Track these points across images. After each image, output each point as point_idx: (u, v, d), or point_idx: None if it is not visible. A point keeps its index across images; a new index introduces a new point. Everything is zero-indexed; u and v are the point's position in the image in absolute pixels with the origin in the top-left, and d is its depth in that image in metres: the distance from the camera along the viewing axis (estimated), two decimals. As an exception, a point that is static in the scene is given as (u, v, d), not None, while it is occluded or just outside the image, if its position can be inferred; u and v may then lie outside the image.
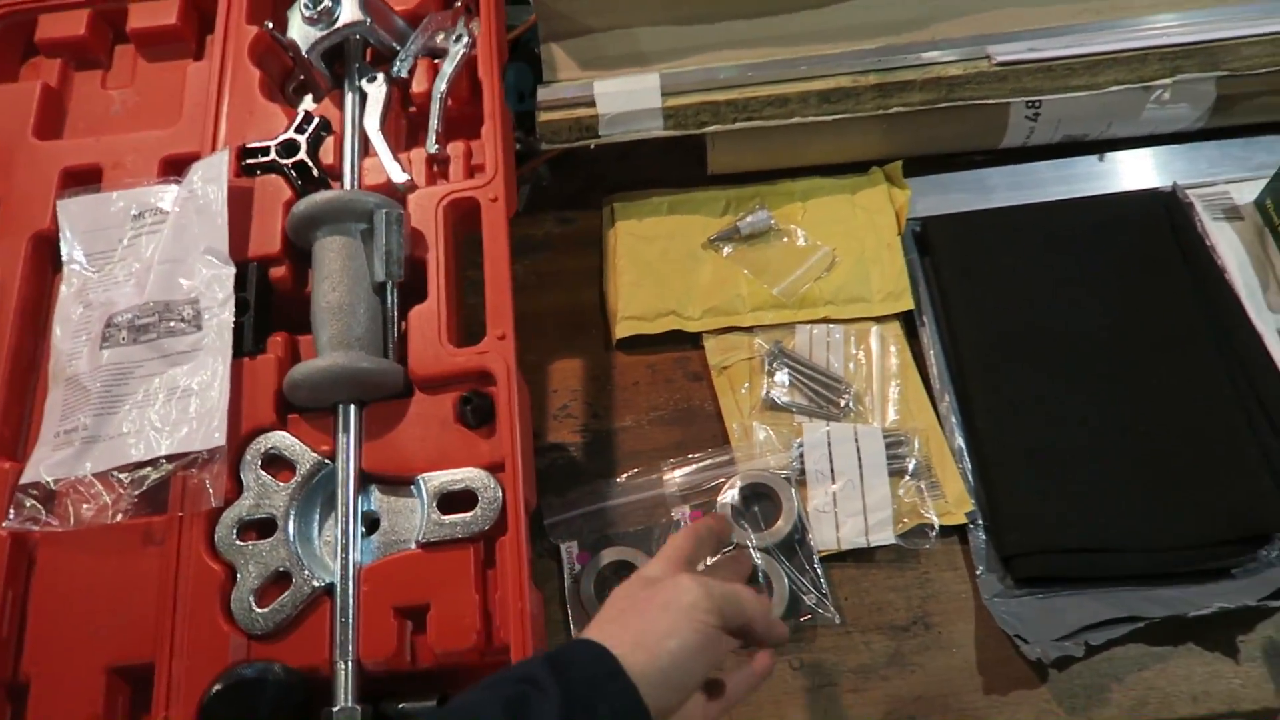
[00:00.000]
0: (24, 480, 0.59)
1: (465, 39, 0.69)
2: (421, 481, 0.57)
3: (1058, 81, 0.70)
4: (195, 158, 0.68)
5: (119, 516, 0.58)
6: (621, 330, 0.70)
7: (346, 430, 0.59)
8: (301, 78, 0.74)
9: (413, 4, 0.73)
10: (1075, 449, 0.61)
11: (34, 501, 0.59)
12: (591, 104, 0.71)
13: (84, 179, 0.69)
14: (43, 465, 0.60)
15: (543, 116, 0.71)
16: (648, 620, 0.43)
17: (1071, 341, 0.65)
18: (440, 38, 0.71)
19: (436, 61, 0.71)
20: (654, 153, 0.75)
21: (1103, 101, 0.71)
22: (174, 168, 0.69)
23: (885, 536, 0.60)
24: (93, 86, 0.75)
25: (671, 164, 0.77)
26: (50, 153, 0.70)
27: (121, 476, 0.59)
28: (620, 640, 0.42)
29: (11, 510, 0.59)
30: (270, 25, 0.71)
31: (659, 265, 0.72)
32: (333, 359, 0.58)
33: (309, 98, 0.74)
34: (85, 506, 0.59)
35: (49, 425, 0.61)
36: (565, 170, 0.78)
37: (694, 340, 0.70)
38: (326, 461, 0.59)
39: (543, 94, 0.72)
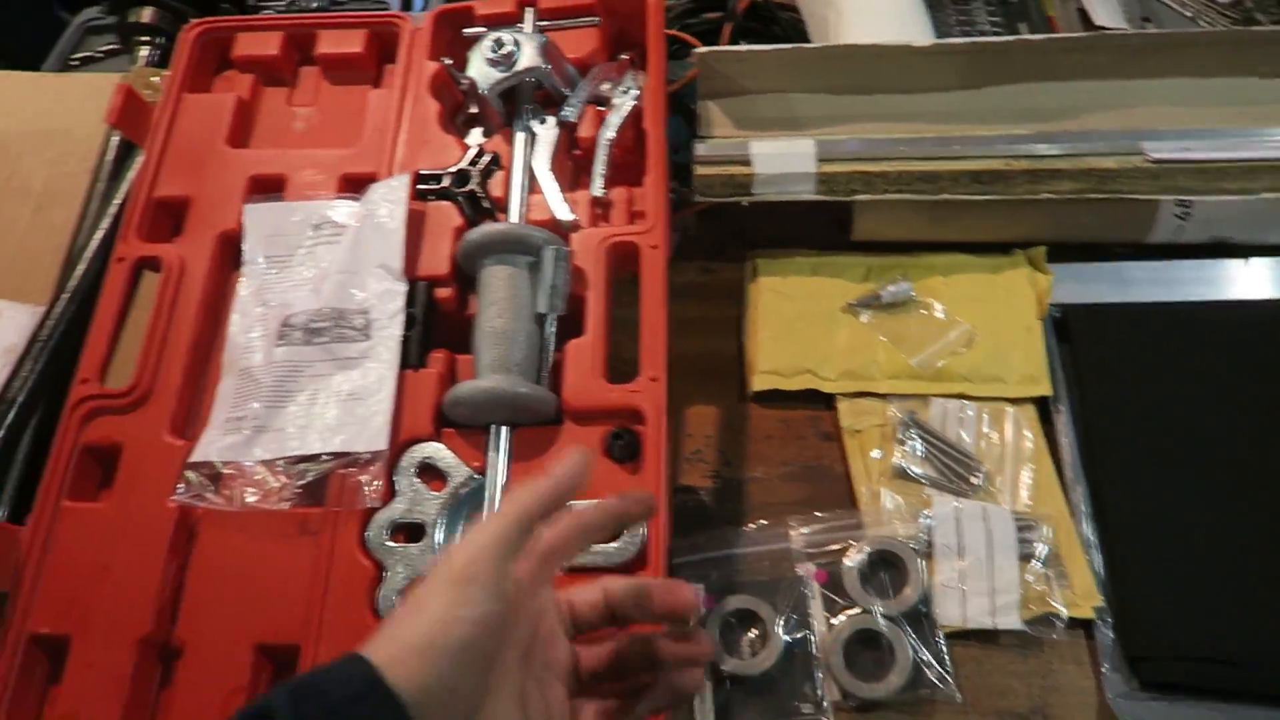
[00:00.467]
0: (193, 458, 0.64)
1: (633, 91, 0.74)
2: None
3: (1210, 183, 0.72)
4: (372, 178, 0.73)
5: (280, 504, 0.62)
6: (759, 383, 0.73)
7: (498, 449, 0.62)
8: (473, 111, 0.80)
9: (582, 54, 0.77)
10: (1211, 554, 0.62)
11: (202, 479, 0.64)
12: (747, 163, 0.75)
13: (269, 187, 0.75)
14: (213, 447, 0.64)
15: (699, 171, 0.75)
16: (413, 609, 0.38)
17: (1211, 445, 0.66)
18: (606, 87, 0.76)
19: (602, 109, 0.75)
20: (797, 211, 0.78)
21: (1255, 207, 0.72)
22: (352, 185, 0.74)
23: (1011, 620, 0.61)
24: (279, 102, 0.81)
25: (813, 224, 0.80)
26: (239, 160, 0.75)
27: (284, 467, 0.63)
28: (387, 645, 0.36)
29: (181, 485, 0.63)
30: (450, 62, 0.77)
31: (798, 323, 0.75)
32: (494, 381, 0.62)
33: (479, 131, 0.79)
34: (249, 491, 0.63)
35: (220, 410, 0.66)
36: (711, 221, 0.81)
37: (827, 400, 0.72)
38: (477, 476, 0.62)
39: (701, 149, 0.76)
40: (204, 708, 0.58)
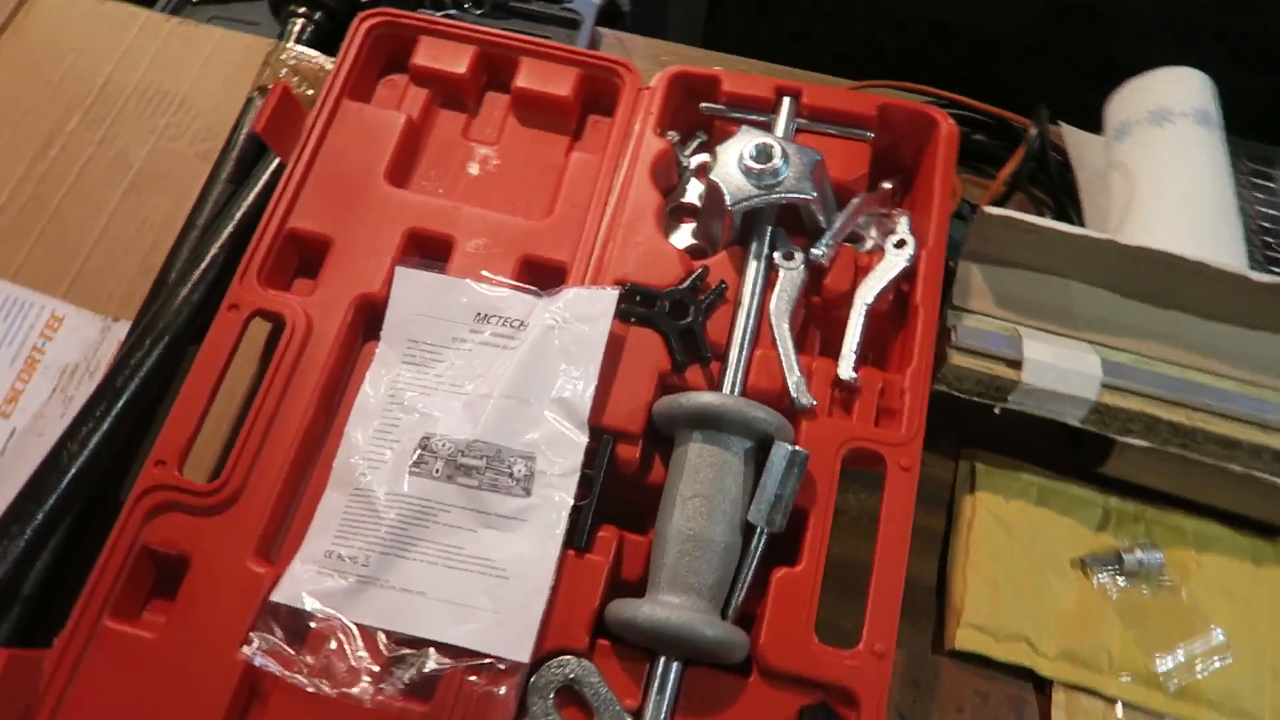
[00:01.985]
0: (276, 596, 0.51)
1: (909, 248, 0.60)
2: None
3: None
4: (562, 271, 0.60)
5: (377, 696, 0.49)
6: (962, 640, 0.61)
7: (663, 691, 0.50)
8: (684, 201, 0.66)
9: (840, 173, 0.64)
10: None
11: (281, 632, 0.51)
12: (1017, 365, 0.62)
13: (429, 249, 0.61)
14: (303, 586, 0.52)
15: (955, 359, 0.62)
16: None
17: None
18: (871, 229, 0.63)
19: (861, 253, 0.62)
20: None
21: None
22: (533, 272, 0.61)
23: None
24: (454, 131, 0.67)
25: (1042, 431, 0.67)
26: (399, 204, 0.62)
27: (389, 646, 0.50)
28: None
29: (254, 636, 0.50)
30: (676, 139, 0.63)
31: (1019, 568, 0.63)
32: (677, 611, 0.49)
33: (688, 230, 0.65)
34: (341, 666, 0.50)
35: (320, 538, 0.53)
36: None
37: (1039, 680, 0.60)
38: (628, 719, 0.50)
39: (961, 328, 0.63)
40: None
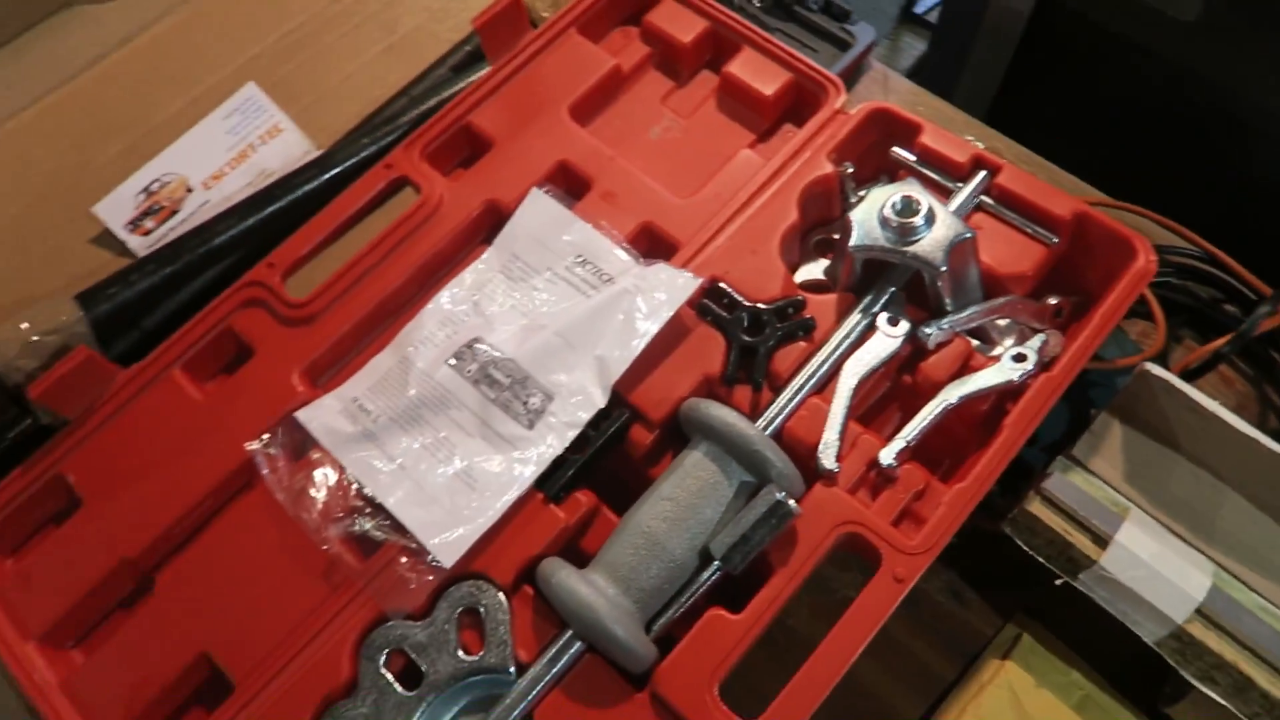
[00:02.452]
0: (299, 415, 0.57)
1: (1030, 361, 0.54)
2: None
3: None
4: (672, 247, 0.60)
5: (323, 543, 0.53)
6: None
7: (553, 662, 0.49)
8: (829, 236, 0.63)
9: (1005, 267, 0.58)
10: None
11: (285, 446, 0.56)
12: (1103, 543, 0.53)
13: (569, 183, 0.64)
14: (320, 419, 0.57)
15: (1034, 506, 0.55)
16: None
17: None
18: (1010, 337, 0.57)
19: (982, 355, 0.56)
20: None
21: None
22: (648, 240, 0.62)
23: None
24: (654, 92, 0.69)
25: (1121, 636, 0.57)
26: (566, 136, 0.65)
27: (356, 499, 0.54)
28: None
29: (266, 437, 0.56)
30: (850, 170, 0.61)
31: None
32: (597, 598, 0.48)
33: (815, 267, 0.62)
34: (312, 493, 0.55)
35: (356, 385, 0.58)
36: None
37: None
38: (506, 673, 0.50)
39: (1057, 480, 0.55)
40: (140, 652, 0.53)
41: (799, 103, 0.67)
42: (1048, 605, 0.60)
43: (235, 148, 0.71)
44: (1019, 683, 0.57)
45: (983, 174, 0.60)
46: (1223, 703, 0.51)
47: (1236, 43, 0.90)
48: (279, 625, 0.52)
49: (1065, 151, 0.75)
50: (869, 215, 0.56)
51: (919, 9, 1.76)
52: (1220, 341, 0.62)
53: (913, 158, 0.62)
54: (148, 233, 0.69)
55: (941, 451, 0.56)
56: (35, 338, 0.58)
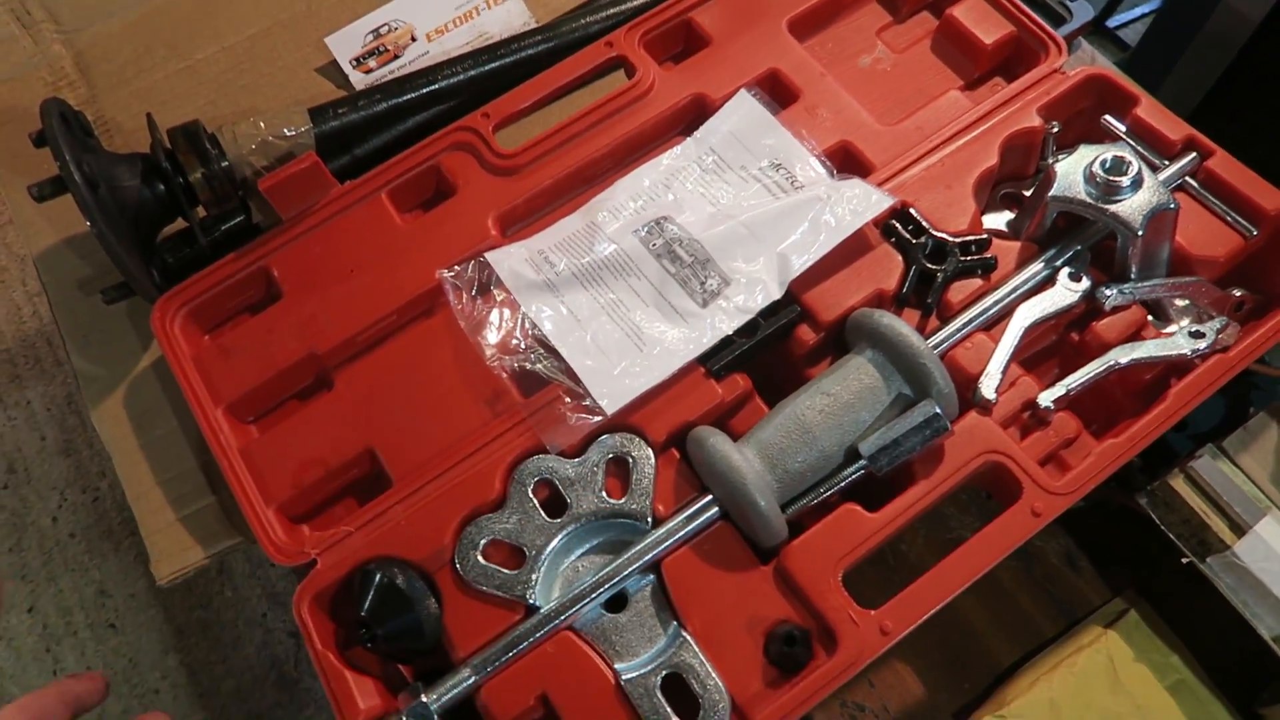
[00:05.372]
0: (489, 256, 0.61)
1: (1201, 343, 0.54)
2: (685, 635, 0.50)
3: None
4: (867, 169, 0.62)
5: (496, 363, 0.58)
6: (984, 723, 0.56)
7: (690, 520, 0.53)
8: (1017, 191, 0.64)
9: (1198, 249, 0.59)
10: None
11: (474, 280, 0.61)
12: (1239, 531, 0.54)
13: (777, 89, 0.67)
14: (507, 263, 0.61)
15: (1177, 483, 0.56)
16: None
17: None
18: (1186, 317, 0.57)
19: (1156, 328, 0.57)
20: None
21: None
22: (844, 157, 0.64)
23: None
24: (871, 22, 0.71)
25: (1233, 628, 0.57)
26: (781, 47, 0.67)
27: (529, 339, 0.58)
28: None
29: (455, 267, 0.61)
30: (1056, 129, 0.61)
31: (1093, 722, 0.56)
32: (750, 471, 0.51)
33: (1002, 216, 0.63)
34: (492, 324, 0.59)
35: (545, 239, 0.62)
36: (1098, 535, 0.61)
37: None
38: (642, 523, 0.54)
39: (1205, 464, 0.56)
40: (314, 437, 0.59)
41: (1014, 58, 0.68)
42: (1160, 588, 0.61)
43: (463, 7, 0.75)
44: (1118, 653, 0.59)
45: (1194, 155, 0.60)
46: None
47: None
48: (443, 436, 0.57)
49: (1267, 163, 0.74)
50: (1074, 169, 0.57)
51: (1111, 23, 1.71)
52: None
53: (1123, 128, 0.63)
54: (369, 70, 0.74)
55: (1096, 411, 0.57)
56: (269, 138, 0.64)
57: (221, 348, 0.62)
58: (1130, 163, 0.55)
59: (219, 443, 0.58)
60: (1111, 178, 0.55)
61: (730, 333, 0.57)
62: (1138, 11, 1.66)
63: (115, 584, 1.32)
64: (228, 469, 0.58)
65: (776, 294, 0.57)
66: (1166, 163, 0.61)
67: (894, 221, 0.60)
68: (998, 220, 0.64)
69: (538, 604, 0.53)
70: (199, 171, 0.61)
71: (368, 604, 0.52)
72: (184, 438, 0.64)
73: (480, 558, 0.54)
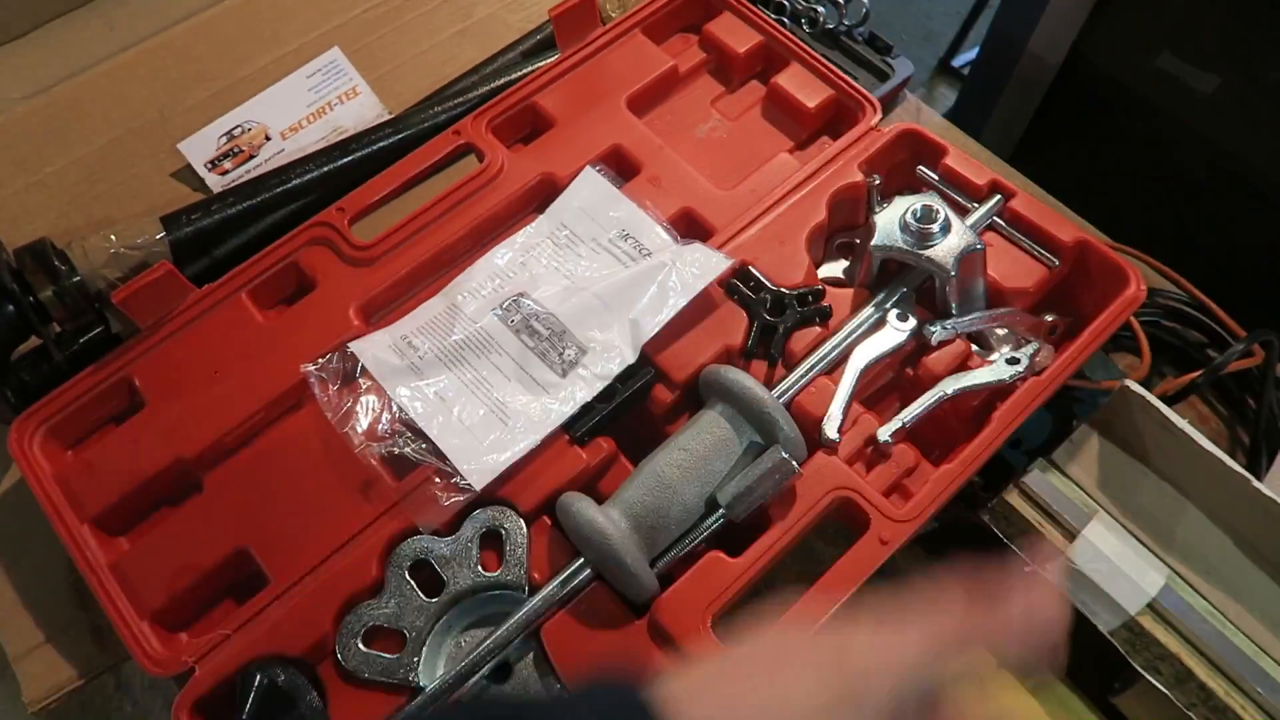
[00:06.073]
0: (352, 346, 0.62)
1: (1021, 365, 0.60)
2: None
3: None
4: (708, 232, 0.67)
5: (367, 455, 0.59)
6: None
7: (565, 584, 0.55)
8: (850, 241, 0.69)
9: (1009, 281, 0.64)
10: None
11: (338, 371, 0.62)
12: (1068, 537, 0.58)
13: (620, 164, 0.70)
14: (371, 352, 0.62)
15: (1012, 497, 0.60)
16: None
17: None
18: (1006, 345, 0.62)
19: (980, 358, 0.62)
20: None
21: None
22: (686, 223, 0.68)
23: None
24: (703, 95, 0.76)
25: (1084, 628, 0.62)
26: (622, 123, 0.71)
27: (397, 423, 0.60)
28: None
29: (319, 360, 0.62)
30: (878, 182, 0.67)
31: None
32: (613, 528, 0.53)
33: (835, 266, 0.68)
34: (358, 414, 0.60)
35: (407, 324, 0.64)
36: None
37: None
38: (517, 593, 0.55)
39: (1035, 478, 0.60)
40: (185, 543, 0.59)
41: (837, 118, 0.73)
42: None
43: (314, 104, 0.78)
44: (982, 664, 0.62)
45: (998, 197, 0.66)
46: (1164, 691, 0.56)
47: (1250, 115, 0.97)
48: (317, 528, 0.58)
49: (1076, 196, 0.81)
50: (891, 220, 0.62)
51: (956, 62, 1.84)
52: (1194, 374, 0.68)
53: (935, 176, 0.69)
54: (225, 173, 0.75)
55: (934, 439, 0.61)
56: (121, 250, 0.64)
57: (85, 462, 0.61)
58: (938, 210, 0.61)
59: (85, 560, 0.58)
60: (923, 225, 0.61)
61: (590, 399, 0.59)
62: (975, 53, 1.79)
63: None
64: (96, 585, 0.57)
65: (631, 358, 0.60)
66: (976, 205, 0.67)
67: (735, 280, 0.64)
68: (836, 269, 0.69)
69: (422, 685, 0.53)
70: (49, 289, 0.61)
71: (249, 707, 0.52)
72: (54, 556, 0.63)
73: (361, 645, 0.54)
